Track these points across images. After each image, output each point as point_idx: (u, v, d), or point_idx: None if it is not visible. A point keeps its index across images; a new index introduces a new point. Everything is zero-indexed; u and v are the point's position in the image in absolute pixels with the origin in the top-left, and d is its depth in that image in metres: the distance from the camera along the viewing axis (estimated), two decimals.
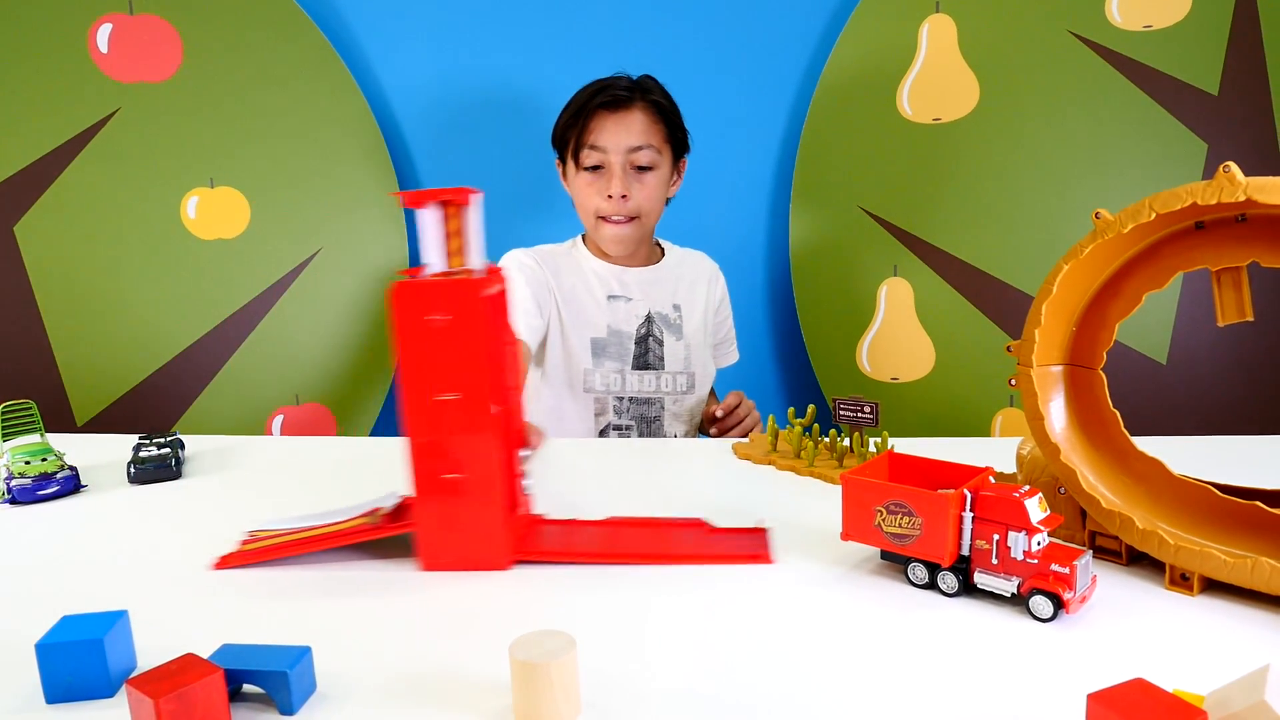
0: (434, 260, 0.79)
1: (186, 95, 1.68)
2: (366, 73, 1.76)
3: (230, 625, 0.70)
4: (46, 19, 1.64)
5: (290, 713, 0.56)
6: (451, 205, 0.78)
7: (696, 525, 0.86)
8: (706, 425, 1.44)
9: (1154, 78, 1.58)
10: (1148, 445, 0.76)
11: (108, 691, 0.59)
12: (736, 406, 1.38)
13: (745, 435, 1.26)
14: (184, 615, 0.72)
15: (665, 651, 0.63)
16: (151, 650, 0.63)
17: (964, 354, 1.71)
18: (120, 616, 0.62)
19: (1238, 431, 1.24)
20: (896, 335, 1.75)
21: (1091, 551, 0.75)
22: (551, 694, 0.53)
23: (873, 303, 1.76)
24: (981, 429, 1.72)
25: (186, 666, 0.54)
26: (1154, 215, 0.66)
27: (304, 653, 0.58)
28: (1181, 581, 0.69)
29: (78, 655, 0.58)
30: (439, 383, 0.75)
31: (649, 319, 1.46)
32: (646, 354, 1.46)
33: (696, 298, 1.50)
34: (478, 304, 0.75)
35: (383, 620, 0.70)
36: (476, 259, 0.79)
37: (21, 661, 0.63)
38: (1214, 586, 0.68)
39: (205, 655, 0.57)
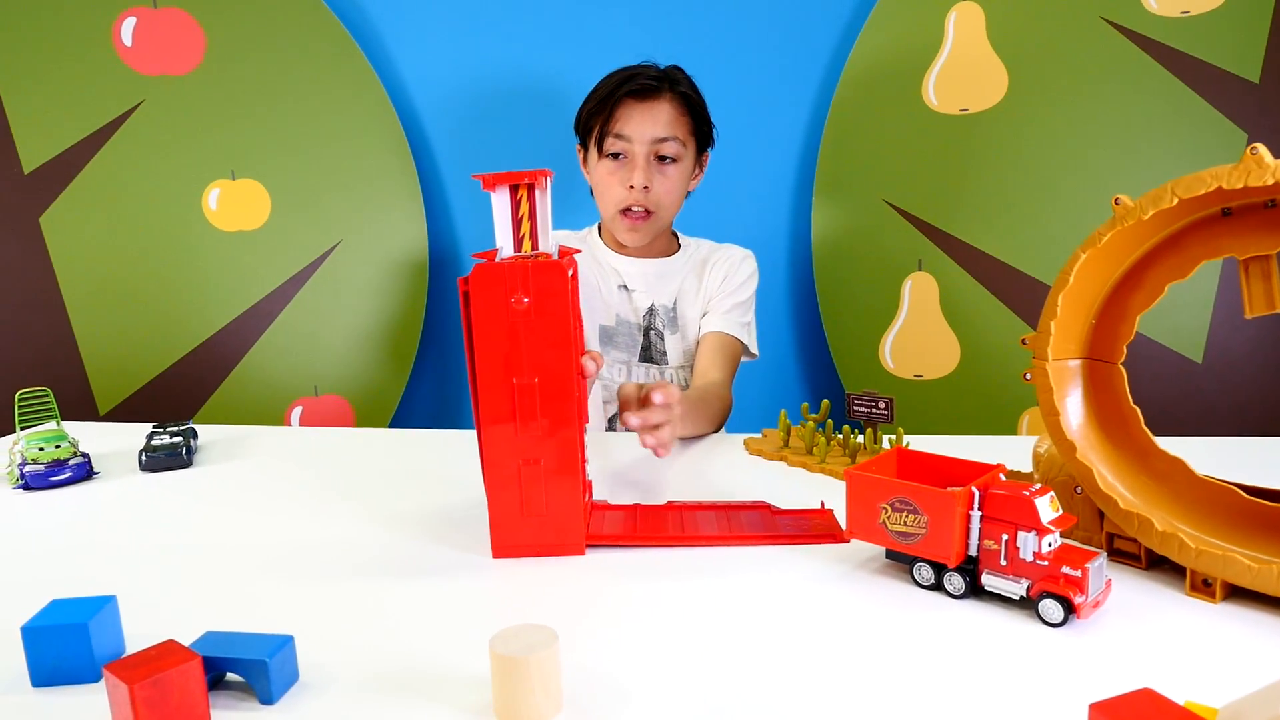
0: (504, 244, 0.78)
1: (209, 88, 1.68)
2: (387, 64, 1.76)
3: (226, 613, 0.69)
4: (72, 12, 1.66)
5: (269, 702, 0.55)
6: (521, 188, 0.77)
7: (761, 508, 0.87)
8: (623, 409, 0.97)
9: (1191, 65, 1.53)
10: (1174, 445, 0.72)
11: (93, 676, 0.59)
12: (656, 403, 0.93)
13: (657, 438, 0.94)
14: (179, 602, 0.72)
15: (657, 648, 0.61)
16: (143, 636, 0.62)
17: (990, 351, 1.67)
18: (108, 602, 0.62)
19: (1277, 434, 1.19)
20: (921, 331, 1.71)
21: (1107, 554, 0.72)
22: (530, 689, 0.52)
23: (896, 298, 1.72)
24: (1008, 427, 1.68)
25: (165, 653, 0.54)
26: (1176, 201, 0.63)
27: (285, 642, 0.57)
28: (1203, 587, 0.65)
29: (62, 639, 0.58)
30: (519, 366, 0.75)
31: (651, 311, 1.44)
32: (650, 347, 1.44)
33: (700, 291, 1.45)
34: (561, 286, 0.74)
35: (384, 609, 0.69)
36: (546, 242, 0.78)
37: (13, 644, 0.62)
38: (1238, 593, 0.65)
39: (190, 642, 0.57)
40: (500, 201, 0.77)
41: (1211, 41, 1.51)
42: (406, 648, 0.62)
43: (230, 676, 0.58)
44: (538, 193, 0.77)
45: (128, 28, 1.66)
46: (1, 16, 1.65)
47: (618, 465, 1.07)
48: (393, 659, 0.61)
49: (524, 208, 0.77)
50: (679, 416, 0.97)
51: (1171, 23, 1.53)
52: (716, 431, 1.25)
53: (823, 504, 0.87)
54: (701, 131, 1.41)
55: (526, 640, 0.53)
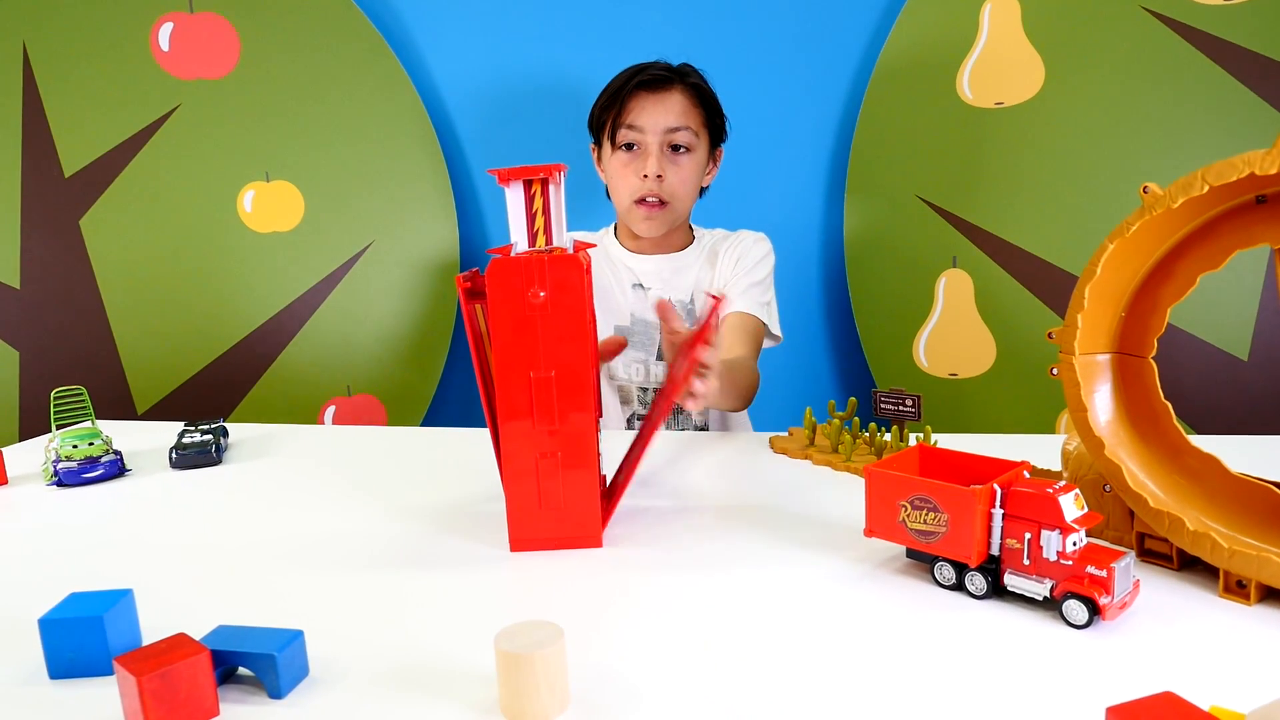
0: (518, 239, 0.78)
1: (244, 91, 1.71)
2: (419, 68, 1.77)
3: (244, 607, 0.70)
4: (110, 19, 1.69)
5: (278, 696, 0.55)
6: (535, 183, 0.77)
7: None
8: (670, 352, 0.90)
9: (1236, 55, 1.48)
10: (1209, 442, 0.70)
11: (108, 668, 0.59)
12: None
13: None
14: (198, 596, 0.72)
15: (670, 645, 0.60)
16: (161, 629, 0.63)
17: (1027, 349, 1.63)
18: (124, 595, 0.62)
19: None
20: (956, 329, 1.68)
21: (1138, 554, 0.70)
22: (536, 686, 0.51)
23: (931, 295, 1.69)
24: (1046, 426, 1.64)
25: (175, 646, 0.54)
26: (1207, 188, 0.60)
27: (295, 637, 0.57)
28: (1237, 589, 0.63)
29: (78, 631, 0.59)
30: (536, 360, 0.75)
31: None
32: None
33: (714, 279, 1.43)
34: (578, 280, 0.74)
35: (399, 604, 0.69)
36: (560, 237, 0.78)
37: (34, 636, 0.63)
38: (1274, 595, 0.62)
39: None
40: (515, 196, 0.77)
41: (1257, 29, 1.46)
42: (418, 643, 0.62)
43: (242, 671, 0.58)
44: (552, 187, 0.77)
45: (165, 33, 1.69)
46: (43, 23, 1.70)
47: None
48: (404, 654, 0.60)
49: (538, 202, 0.77)
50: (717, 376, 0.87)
51: (1215, 11, 1.48)
52: (745, 408, 1.27)
53: (712, 295, 0.85)
54: (714, 124, 1.40)
55: (532, 636, 0.53)
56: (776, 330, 1.43)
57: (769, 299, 1.43)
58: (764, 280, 1.42)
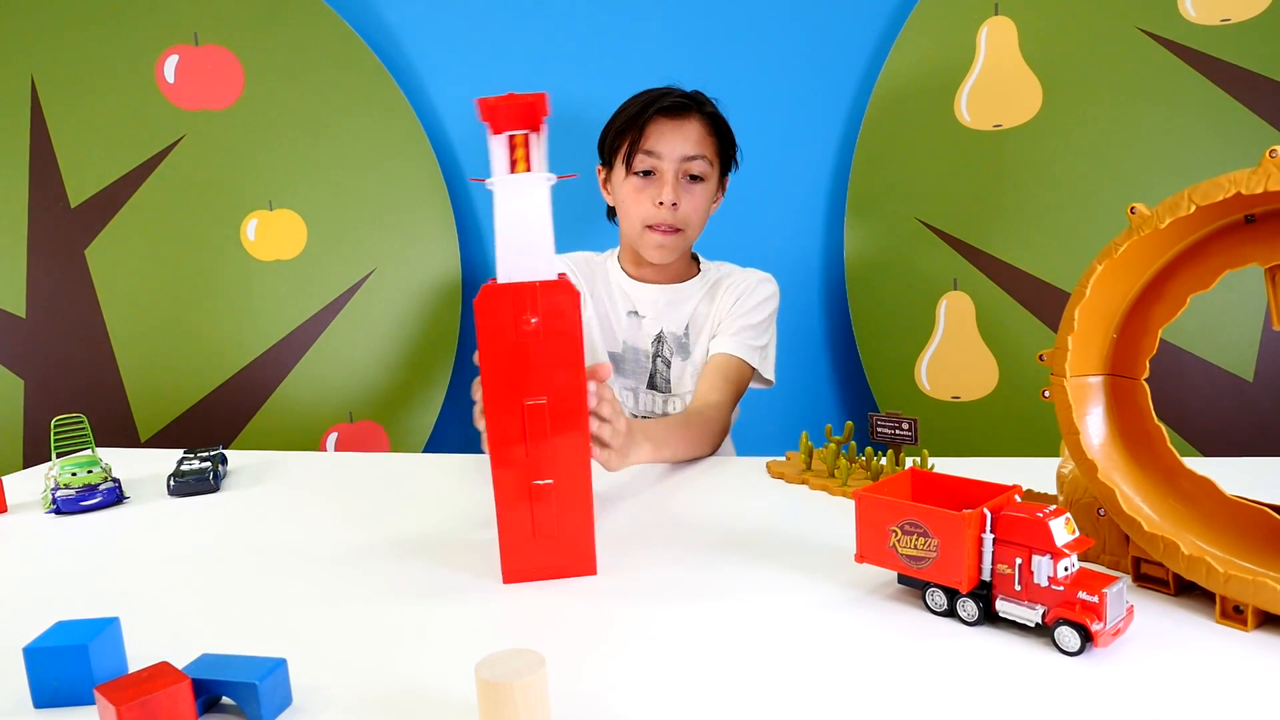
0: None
1: (247, 121, 1.73)
2: (421, 96, 1.79)
3: (233, 634, 0.69)
4: (117, 52, 1.72)
5: None
6: (517, 139, 0.76)
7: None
8: None
9: (1235, 74, 1.48)
10: (1208, 465, 0.69)
11: (93, 697, 0.59)
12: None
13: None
14: (188, 623, 0.72)
15: (657, 674, 0.60)
16: (148, 658, 0.62)
17: (1030, 371, 1.62)
18: (110, 623, 0.62)
19: None
20: (957, 352, 1.67)
21: (1134, 579, 0.69)
22: (516, 715, 0.51)
23: (932, 318, 1.69)
24: (1050, 449, 1.62)
25: (156, 675, 0.54)
26: (1194, 208, 0.60)
27: (277, 665, 0.57)
28: (1234, 614, 0.62)
29: (63, 660, 0.59)
30: (527, 387, 0.74)
31: (660, 339, 1.40)
32: (655, 375, 1.40)
33: (710, 314, 1.40)
34: (571, 306, 0.74)
35: (389, 633, 0.69)
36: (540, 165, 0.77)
37: (20, 665, 0.63)
38: (1271, 621, 0.61)
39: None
40: (498, 148, 0.77)
41: (1255, 49, 1.47)
42: (405, 672, 0.62)
43: (225, 700, 0.58)
44: (533, 142, 0.76)
45: (170, 65, 1.71)
46: (50, 56, 1.72)
47: (626, 486, 1.06)
48: (389, 683, 0.60)
49: (520, 153, 0.76)
50: (623, 446, 0.95)
51: (1212, 31, 1.48)
52: (710, 454, 1.21)
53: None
54: (726, 154, 1.40)
55: (513, 665, 0.52)
56: (768, 374, 1.39)
57: (764, 342, 1.39)
58: (761, 323, 1.38)
